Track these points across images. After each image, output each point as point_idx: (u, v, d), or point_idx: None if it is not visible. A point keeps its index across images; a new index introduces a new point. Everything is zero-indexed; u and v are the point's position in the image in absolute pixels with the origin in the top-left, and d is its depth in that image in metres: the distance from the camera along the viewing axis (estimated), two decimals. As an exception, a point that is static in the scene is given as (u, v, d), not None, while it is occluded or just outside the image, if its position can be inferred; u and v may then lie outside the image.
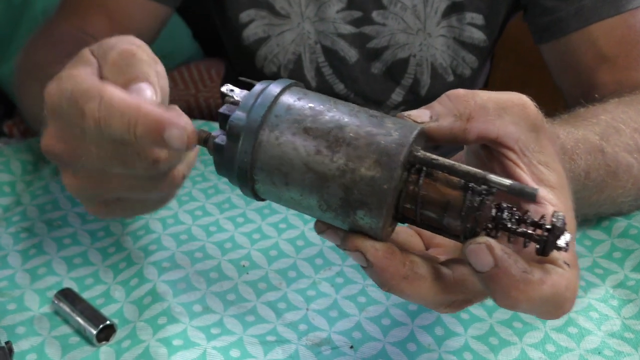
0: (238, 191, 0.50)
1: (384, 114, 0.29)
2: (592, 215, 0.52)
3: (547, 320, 0.43)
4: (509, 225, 0.27)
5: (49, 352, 0.40)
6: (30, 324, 0.42)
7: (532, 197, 0.26)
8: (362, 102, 0.74)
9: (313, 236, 0.51)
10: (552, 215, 0.27)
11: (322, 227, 0.30)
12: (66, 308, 0.42)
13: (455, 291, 0.29)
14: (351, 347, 0.41)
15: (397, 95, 0.73)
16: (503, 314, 0.44)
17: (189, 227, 0.51)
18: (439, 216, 0.27)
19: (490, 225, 0.27)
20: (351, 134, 0.27)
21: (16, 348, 0.40)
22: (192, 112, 1.06)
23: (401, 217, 0.29)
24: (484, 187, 0.27)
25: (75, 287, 0.45)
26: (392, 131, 0.27)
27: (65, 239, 0.50)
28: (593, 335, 0.42)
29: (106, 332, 0.40)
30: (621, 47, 0.62)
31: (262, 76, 0.74)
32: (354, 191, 0.26)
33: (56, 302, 0.42)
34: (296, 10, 0.68)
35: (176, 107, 0.32)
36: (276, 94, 0.29)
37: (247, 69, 0.76)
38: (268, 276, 0.47)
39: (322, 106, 0.28)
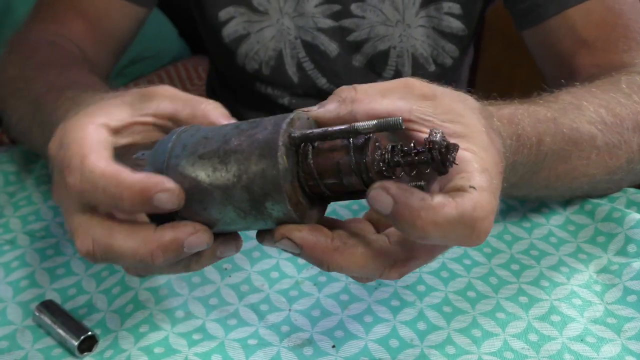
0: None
1: (268, 117, 0.30)
2: (567, 193, 0.51)
3: (530, 309, 0.43)
4: (397, 159, 0.28)
5: (32, 365, 0.40)
6: (13, 337, 0.42)
7: (398, 126, 0.27)
8: None
9: (296, 235, 0.51)
10: (430, 135, 0.27)
11: (259, 238, 0.32)
12: (47, 320, 0.42)
13: (389, 252, 0.30)
14: (333, 346, 0.41)
15: None
16: (486, 305, 0.44)
17: (171, 231, 0.51)
18: (339, 180, 0.29)
19: (383, 168, 0.28)
20: (235, 143, 0.29)
21: (-1, 363, 0.40)
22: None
23: (315, 195, 0.30)
24: (360, 137, 0.29)
25: (58, 298, 0.45)
26: (268, 125, 0.29)
27: (48, 249, 0.50)
28: (576, 322, 0.42)
29: (88, 343, 0.40)
30: (600, 30, 0.61)
31: (243, 73, 0.74)
32: (254, 188, 0.28)
33: (37, 314, 0.42)
34: (274, 6, 0.68)
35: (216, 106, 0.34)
36: (172, 140, 0.31)
37: (228, 67, 0.76)
38: (250, 278, 0.47)
39: (211, 133, 0.31)
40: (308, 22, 0.68)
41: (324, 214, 0.32)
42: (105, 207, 0.31)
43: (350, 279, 0.46)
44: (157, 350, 0.40)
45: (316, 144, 0.29)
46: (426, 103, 0.30)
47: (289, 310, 0.44)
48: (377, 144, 0.29)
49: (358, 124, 0.28)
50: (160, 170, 0.30)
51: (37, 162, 0.60)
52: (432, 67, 0.72)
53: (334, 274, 0.47)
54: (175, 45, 1.42)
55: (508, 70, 1.41)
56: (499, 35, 1.34)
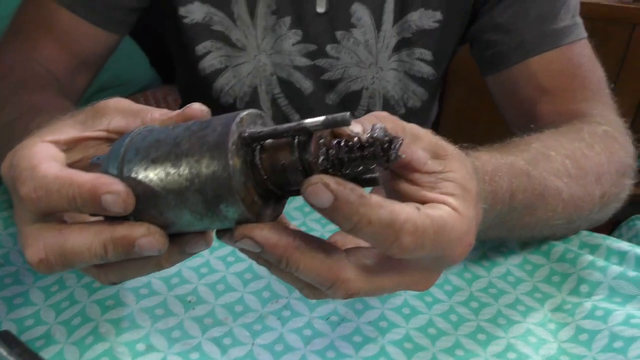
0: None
1: (218, 116, 0.30)
2: (527, 238, 0.53)
3: (487, 347, 0.45)
4: (341, 156, 0.28)
5: (-16, 398, 0.39)
6: (-35, 369, 0.41)
7: (346, 123, 0.27)
8: None
9: (261, 269, 0.51)
10: (372, 131, 0.28)
11: (218, 235, 0.31)
12: (3, 352, 0.40)
13: (347, 268, 0.30)
14: (295, 381, 0.41)
15: None
16: (445, 342, 0.45)
17: (135, 262, 0.51)
18: (285, 179, 0.29)
19: (328, 167, 0.28)
20: (186, 145, 0.29)
21: (-52, 396, 0.38)
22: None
23: (270, 193, 0.30)
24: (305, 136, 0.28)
25: (14, 329, 0.44)
26: (217, 126, 0.29)
27: (6, 278, 0.49)
28: (531, 360, 0.44)
29: (44, 376, 0.40)
30: (560, 79, 0.65)
31: (217, 107, 0.75)
32: (207, 191, 0.28)
33: (-8, 345, 0.41)
34: (252, 43, 0.69)
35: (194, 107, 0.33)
36: (124, 144, 0.31)
37: (202, 100, 0.76)
38: (214, 311, 0.47)
39: (162, 135, 0.30)
40: (284, 59, 0.70)
41: (281, 210, 0.32)
42: (61, 210, 0.31)
43: (314, 314, 0.47)
44: (116, 383, 0.39)
45: (266, 143, 0.29)
46: (438, 161, 0.31)
47: (252, 344, 0.44)
48: (321, 140, 0.28)
49: (306, 121, 0.28)
50: (113, 175, 0.30)
51: (-1, 188, 0.59)
52: (402, 110, 0.75)
53: (297, 308, 0.47)
54: (145, 74, 1.42)
55: (471, 113, 1.46)
56: (463, 80, 1.40)
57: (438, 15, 0.68)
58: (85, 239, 0.30)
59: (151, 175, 0.29)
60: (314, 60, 0.70)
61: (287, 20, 0.68)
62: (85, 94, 0.75)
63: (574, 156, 0.51)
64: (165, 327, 0.45)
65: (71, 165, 0.34)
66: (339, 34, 0.68)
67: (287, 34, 0.68)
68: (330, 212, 0.27)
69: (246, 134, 0.28)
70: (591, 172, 0.51)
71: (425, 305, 0.48)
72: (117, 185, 0.29)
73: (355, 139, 0.28)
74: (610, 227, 0.68)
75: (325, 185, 0.27)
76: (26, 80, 0.60)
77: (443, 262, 0.32)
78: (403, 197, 0.31)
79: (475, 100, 1.42)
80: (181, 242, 0.32)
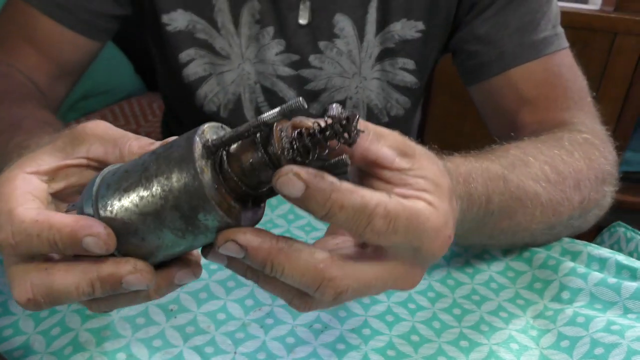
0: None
1: (181, 135, 0.30)
2: (508, 244, 0.54)
3: (470, 354, 0.45)
4: (305, 143, 0.28)
5: (-41, 410, 0.38)
6: (-60, 381, 0.40)
7: (301, 107, 0.28)
8: None
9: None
10: (327, 111, 0.28)
11: (203, 253, 0.31)
12: (-21, 363, 0.40)
13: (332, 266, 0.30)
14: (277, 390, 0.41)
15: None
16: (428, 349, 0.45)
17: (116, 271, 0.50)
18: (257, 178, 0.29)
19: (296, 156, 0.28)
20: (154, 167, 0.29)
21: None
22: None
23: (246, 197, 0.30)
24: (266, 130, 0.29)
25: (-9, 339, 0.43)
26: (181, 142, 0.29)
27: (-16, 287, 0.48)
28: (513, 367, 0.44)
29: (22, 387, 0.39)
30: (540, 89, 0.65)
31: (201, 115, 0.74)
32: (183, 205, 0.28)
33: (-31, 356, 0.40)
34: (236, 51, 0.69)
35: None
36: (96, 183, 0.31)
37: (186, 108, 0.76)
38: (196, 319, 0.46)
39: (130, 166, 0.31)
40: (268, 68, 0.70)
41: (261, 213, 0.32)
42: (44, 252, 0.31)
43: (297, 322, 0.46)
44: (95, 394, 0.38)
45: (231, 147, 0.29)
46: (406, 159, 0.31)
47: (235, 353, 0.44)
48: (282, 133, 0.29)
49: (263, 115, 0.28)
50: (90, 214, 0.30)
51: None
52: (386, 118, 0.75)
53: (280, 316, 0.47)
54: (130, 82, 1.41)
55: (455, 121, 1.47)
56: (447, 87, 1.41)
57: (420, 25, 0.68)
58: (72, 278, 0.30)
59: (126, 203, 0.29)
60: (298, 70, 0.70)
61: (270, 30, 0.68)
62: (69, 102, 0.74)
63: (552, 162, 0.52)
64: (146, 336, 0.44)
65: (55, 194, 0.34)
66: (321, 44, 0.68)
67: (271, 43, 0.68)
68: (303, 201, 0.28)
69: (209, 143, 0.29)
70: (570, 178, 0.52)
71: (408, 312, 0.48)
72: (97, 228, 0.29)
73: (315, 125, 0.28)
74: (594, 233, 0.69)
75: (296, 175, 0.27)
76: (6, 91, 0.60)
77: (423, 255, 0.31)
78: None
79: (459, 107, 1.43)
80: (169, 274, 0.32)
